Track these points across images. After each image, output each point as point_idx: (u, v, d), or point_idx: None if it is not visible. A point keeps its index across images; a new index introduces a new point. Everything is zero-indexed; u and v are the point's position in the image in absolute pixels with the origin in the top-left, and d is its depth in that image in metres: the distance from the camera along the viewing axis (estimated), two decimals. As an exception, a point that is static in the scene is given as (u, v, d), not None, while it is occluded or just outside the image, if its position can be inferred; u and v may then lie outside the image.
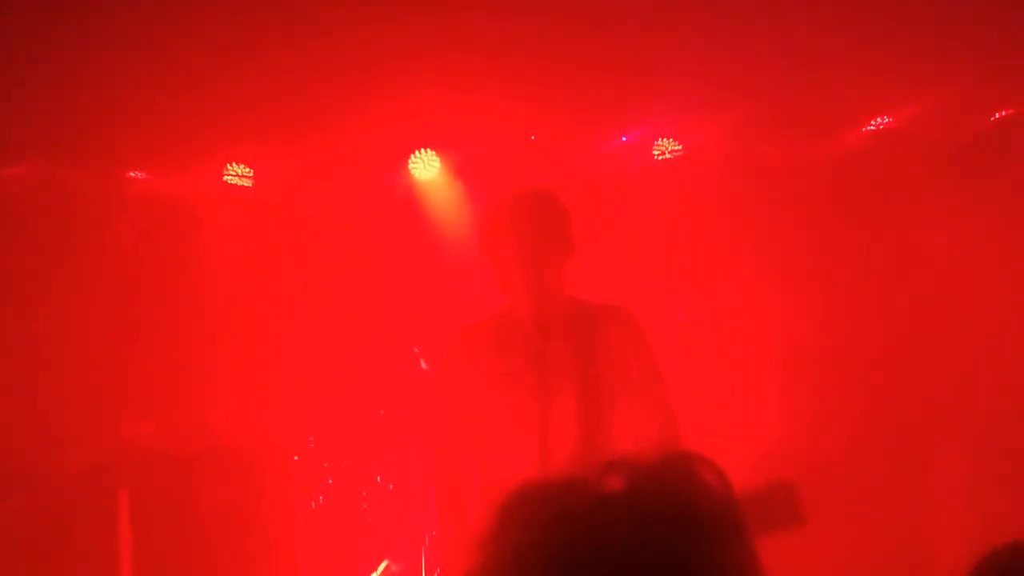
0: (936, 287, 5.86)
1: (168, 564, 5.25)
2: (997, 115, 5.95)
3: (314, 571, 5.63)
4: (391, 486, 5.77)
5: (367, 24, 4.57)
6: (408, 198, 5.99)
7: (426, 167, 5.90)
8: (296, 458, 5.70)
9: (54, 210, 5.63)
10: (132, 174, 5.90)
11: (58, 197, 5.64)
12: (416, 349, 5.73)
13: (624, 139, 5.97)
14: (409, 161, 5.90)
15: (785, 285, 5.87)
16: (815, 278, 5.89)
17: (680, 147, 5.91)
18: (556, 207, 3.81)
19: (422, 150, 5.89)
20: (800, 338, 5.87)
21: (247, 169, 5.94)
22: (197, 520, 5.34)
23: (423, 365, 5.71)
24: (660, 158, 5.93)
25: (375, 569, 5.69)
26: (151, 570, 5.28)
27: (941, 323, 5.88)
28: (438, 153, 5.90)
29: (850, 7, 4.66)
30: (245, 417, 5.79)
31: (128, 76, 4.75)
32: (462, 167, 5.92)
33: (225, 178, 5.93)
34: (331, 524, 5.75)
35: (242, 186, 5.95)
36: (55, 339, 5.59)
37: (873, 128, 5.98)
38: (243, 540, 5.40)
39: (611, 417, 3.73)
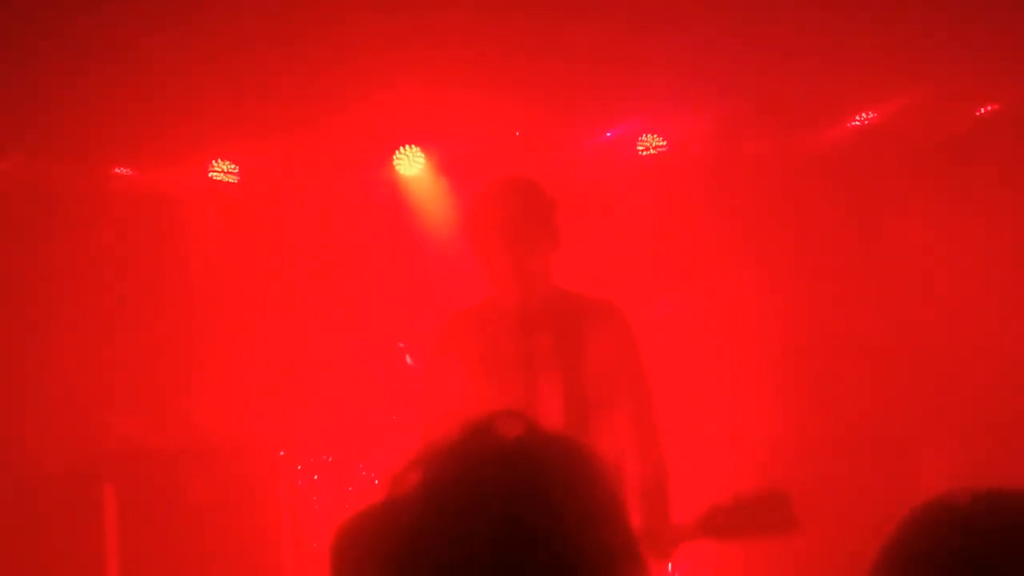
0: (922, 281, 5.88)
1: (154, 560, 5.24)
2: (982, 110, 5.97)
3: (300, 566, 5.63)
4: (376, 480, 5.77)
5: (352, 21, 4.57)
6: (393, 194, 5.99)
7: (411, 163, 5.90)
8: (282, 453, 5.71)
9: (38, 207, 5.62)
10: (117, 170, 5.89)
11: (42, 193, 5.64)
12: (401, 344, 5.74)
13: (609, 135, 5.98)
14: (394, 157, 5.90)
15: (771, 280, 5.89)
16: (800, 272, 5.91)
17: (664, 143, 5.92)
18: (542, 196, 3.81)
19: (407, 146, 5.89)
20: (786, 332, 5.88)
21: (232, 166, 5.94)
22: (183, 516, 5.33)
23: (408, 360, 5.71)
24: (645, 154, 5.94)
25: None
26: (137, 566, 5.28)
27: (927, 317, 5.89)
28: (423, 149, 5.90)
29: (835, 3, 4.67)
30: (231, 413, 5.79)
31: (113, 72, 4.75)
32: (447, 163, 5.92)
33: (210, 174, 5.93)
34: (317, 519, 5.75)
35: (227, 182, 5.94)
36: (40, 336, 5.59)
37: (858, 123, 6.00)
38: (229, 536, 5.39)
39: (595, 409, 3.75)
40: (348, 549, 1.28)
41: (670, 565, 5.17)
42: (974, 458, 5.54)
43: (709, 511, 3.35)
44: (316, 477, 5.80)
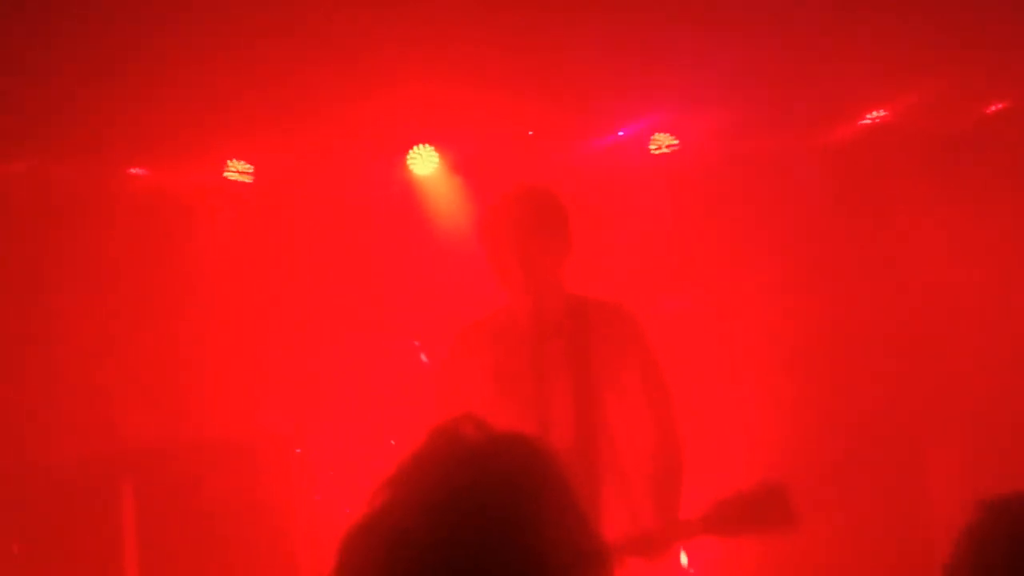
0: (932, 279, 5.89)
1: (172, 557, 5.28)
2: (992, 108, 5.97)
3: (316, 563, 5.65)
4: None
5: (366, 20, 4.58)
6: (407, 193, 6.01)
7: (425, 162, 5.92)
8: (298, 451, 5.73)
9: (53, 207, 5.64)
10: (132, 171, 5.90)
11: (57, 194, 5.65)
12: (416, 343, 5.76)
13: (621, 134, 5.98)
14: (408, 156, 5.91)
15: (782, 279, 5.91)
16: (812, 271, 5.92)
17: (676, 142, 5.92)
18: (554, 205, 3.84)
19: (420, 146, 5.90)
20: (797, 330, 5.90)
21: (247, 166, 5.94)
22: (200, 513, 5.35)
23: (423, 359, 5.73)
24: (657, 153, 5.94)
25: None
26: (155, 562, 5.32)
27: (936, 315, 5.91)
28: (436, 148, 5.91)
29: (846, 1, 4.68)
30: (246, 410, 5.81)
31: (128, 72, 4.75)
32: (460, 162, 5.93)
33: (225, 174, 5.93)
34: (333, 516, 5.77)
35: (242, 182, 5.96)
36: (56, 335, 5.62)
37: (869, 121, 6.00)
38: (245, 532, 5.42)
39: (608, 413, 3.77)
40: (346, 558, 1.37)
41: (685, 559, 5.22)
42: (980, 455, 5.57)
43: (710, 508, 3.39)
44: (331, 473, 5.81)
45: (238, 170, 5.93)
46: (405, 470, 1.38)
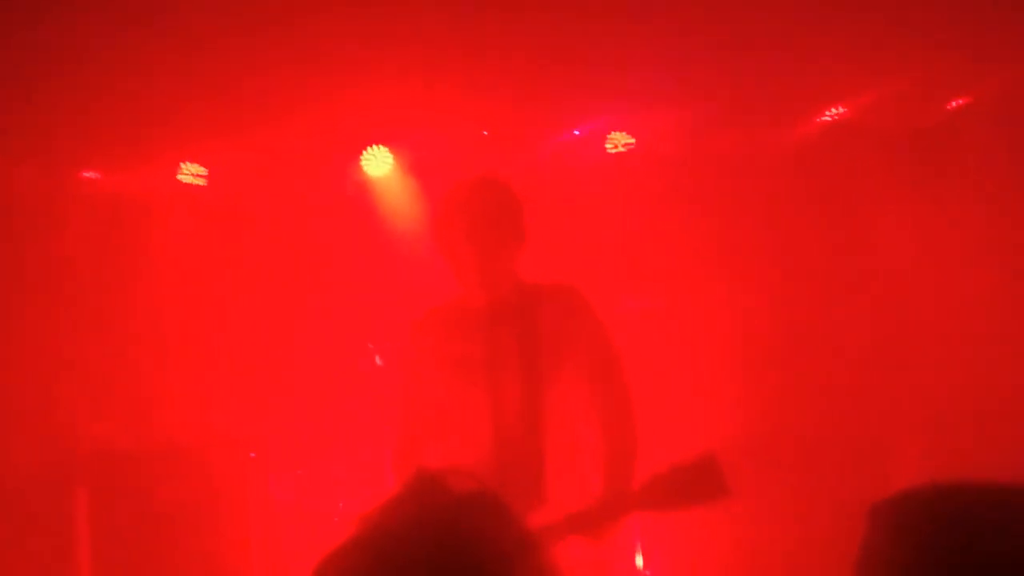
0: (892, 276, 5.88)
1: (126, 562, 5.26)
2: (953, 104, 5.94)
3: (270, 568, 5.62)
4: (342, 505, 5.75)
5: (320, 20, 4.55)
6: (361, 194, 5.98)
7: (379, 163, 5.88)
8: (253, 455, 5.70)
9: (4, 210, 5.61)
10: (85, 174, 5.87)
11: (9, 197, 5.63)
12: (370, 345, 5.73)
13: (577, 133, 5.96)
14: (362, 157, 5.88)
15: (740, 277, 5.89)
16: (770, 269, 5.90)
17: (633, 140, 5.91)
18: (508, 195, 3.85)
19: (375, 146, 5.87)
20: (754, 329, 5.88)
21: (201, 168, 5.92)
22: (155, 518, 5.33)
23: (377, 361, 5.71)
24: (613, 151, 5.92)
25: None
26: (109, 569, 5.29)
27: (897, 312, 5.89)
28: (391, 149, 5.88)
29: (803, -2, 4.66)
30: (201, 415, 5.79)
31: (80, 74, 4.73)
32: (415, 163, 5.90)
33: (179, 177, 5.91)
34: (287, 519, 5.74)
35: (196, 185, 5.93)
36: (9, 340, 5.58)
37: (828, 118, 5.97)
38: (200, 537, 5.40)
39: (560, 397, 3.77)
40: None
41: (640, 561, 5.19)
42: (941, 451, 5.54)
43: (645, 482, 3.41)
44: (299, 472, 5.78)
45: (192, 172, 5.91)
46: (384, 509, 1.50)
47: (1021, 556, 1.41)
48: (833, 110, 5.94)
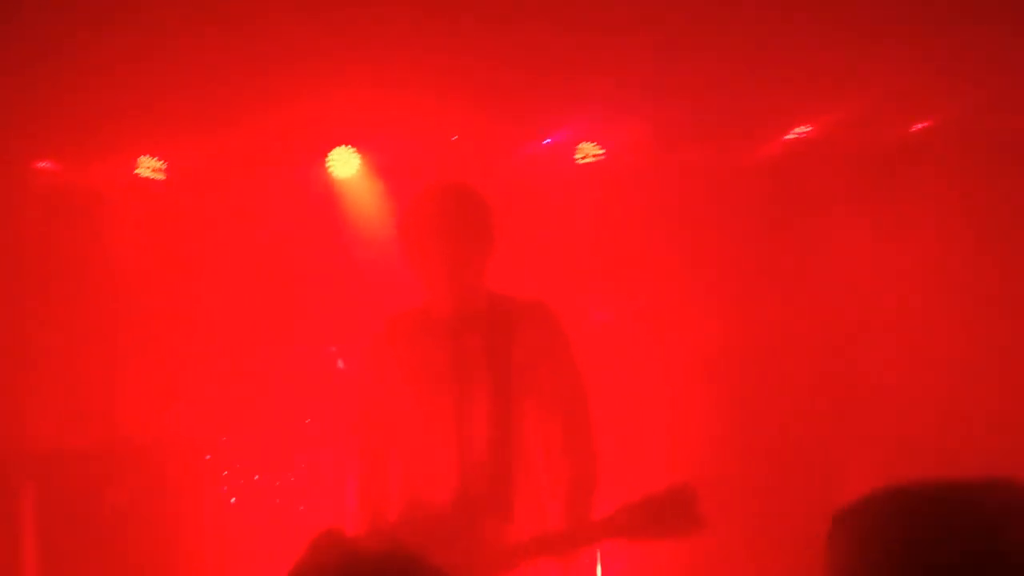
0: (853, 294, 5.95)
1: (73, 562, 5.15)
2: (917, 126, 6.02)
3: (222, 570, 5.55)
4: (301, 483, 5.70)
5: (286, 18, 4.49)
6: (326, 196, 5.89)
7: (345, 165, 5.80)
8: (208, 457, 5.61)
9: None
10: (39, 164, 5.71)
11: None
12: (333, 348, 5.68)
13: (546, 142, 5.94)
14: (328, 158, 5.80)
15: (706, 288, 5.92)
16: (735, 283, 5.95)
17: (602, 151, 5.90)
18: (477, 201, 3.83)
19: (341, 147, 5.79)
20: (719, 342, 5.92)
21: (160, 162, 5.79)
22: (104, 518, 5.24)
23: (340, 364, 5.65)
24: (582, 162, 5.92)
25: (287, 568, 5.60)
26: (56, 568, 5.18)
27: (857, 329, 5.97)
28: (358, 151, 5.80)
29: (772, 16, 4.68)
30: (155, 414, 5.70)
31: (36, 63, 4.60)
32: (382, 166, 5.83)
33: (137, 171, 5.77)
34: (243, 523, 5.66)
35: (154, 179, 5.80)
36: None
37: (794, 137, 6.03)
38: (151, 539, 5.31)
39: (524, 412, 3.76)
40: None
41: (599, 570, 5.18)
42: (896, 466, 5.62)
43: (616, 511, 3.41)
44: (257, 477, 5.70)
45: (150, 167, 5.78)
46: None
47: (984, 551, 1.41)
48: (799, 128, 5.99)
